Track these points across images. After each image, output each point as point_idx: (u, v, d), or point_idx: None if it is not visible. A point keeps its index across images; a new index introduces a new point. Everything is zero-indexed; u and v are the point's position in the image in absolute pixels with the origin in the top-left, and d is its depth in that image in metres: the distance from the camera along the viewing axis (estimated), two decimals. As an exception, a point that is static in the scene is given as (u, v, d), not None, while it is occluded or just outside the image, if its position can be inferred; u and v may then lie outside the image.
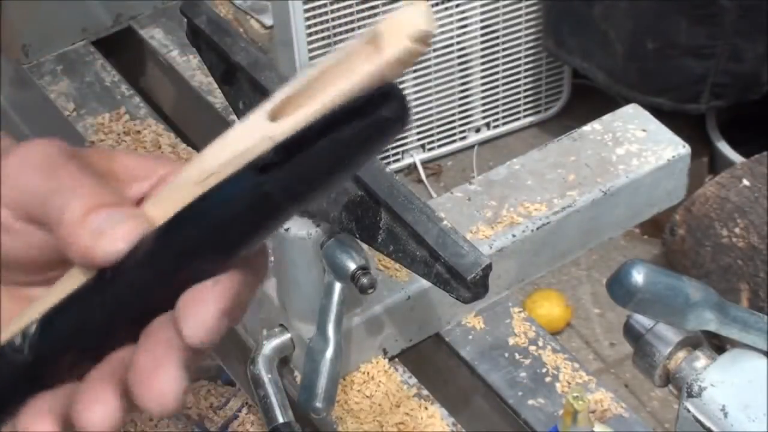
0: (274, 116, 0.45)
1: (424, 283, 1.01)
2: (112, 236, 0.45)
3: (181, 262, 0.46)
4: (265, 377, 1.00)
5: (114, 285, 0.46)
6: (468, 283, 0.83)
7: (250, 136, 0.45)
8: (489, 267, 0.84)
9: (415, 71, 2.01)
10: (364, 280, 0.92)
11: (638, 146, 1.11)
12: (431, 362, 1.08)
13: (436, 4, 2.00)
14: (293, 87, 0.45)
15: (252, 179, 0.44)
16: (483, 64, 2.18)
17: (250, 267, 0.47)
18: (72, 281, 0.47)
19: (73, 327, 0.47)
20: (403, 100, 0.43)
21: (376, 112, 0.42)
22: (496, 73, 2.21)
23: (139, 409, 0.45)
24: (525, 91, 2.27)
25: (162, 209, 0.47)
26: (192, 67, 1.41)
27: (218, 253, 0.46)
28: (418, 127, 2.20)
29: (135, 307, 0.46)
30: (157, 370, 0.44)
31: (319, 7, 1.85)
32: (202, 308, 0.44)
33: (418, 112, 2.17)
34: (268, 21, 1.85)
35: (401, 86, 1.94)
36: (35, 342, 0.47)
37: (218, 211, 0.45)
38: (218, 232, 0.45)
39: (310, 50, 1.85)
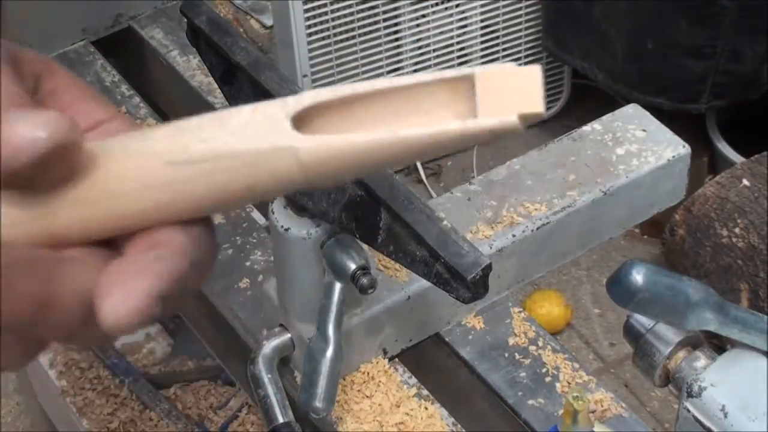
0: (298, 121, 0.35)
1: (424, 283, 1.01)
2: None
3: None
4: (265, 377, 1.00)
5: None
6: (468, 283, 0.83)
7: (264, 135, 0.35)
8: (489, 267, 0.84)
9: (414, 71, 2.01)
10: (364, 280, 0.92)
11: (638, 146, 1.11)
12: (431, 362, 1.08)
13: (436, 4, 2.00)
14: (328, 95, 0.36)
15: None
16: (483, 64, 2.18)
17: (198, 249, 0.40)
18: None
19: None
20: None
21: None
22: (496, 73, 2.21)
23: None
24: (525, 91, 2.27)
25: (115, 165, 0.39)
26: (192, 67, 1.41)
27: None
28: (418, 127, 2.20)
29: None
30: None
31: (319, 7, 1.84)
32: (132, 283, 0.37)
33: (418, 112, 2.17)
34: (268, 21, 1.85)
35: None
36: None
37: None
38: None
39: (310, 50, 1.85)
